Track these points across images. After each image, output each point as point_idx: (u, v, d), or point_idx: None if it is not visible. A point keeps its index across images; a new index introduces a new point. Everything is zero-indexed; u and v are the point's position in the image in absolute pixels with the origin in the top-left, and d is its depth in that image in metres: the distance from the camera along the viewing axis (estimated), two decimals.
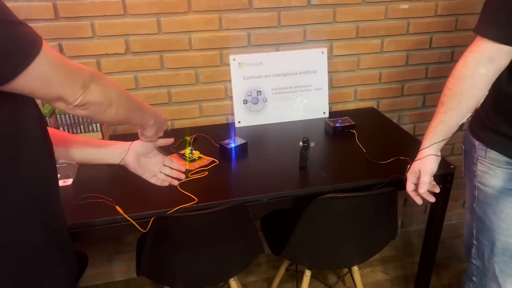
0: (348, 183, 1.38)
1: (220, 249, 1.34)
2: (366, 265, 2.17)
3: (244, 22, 1.74)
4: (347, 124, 1.74)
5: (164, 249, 1.29)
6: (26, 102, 0.75)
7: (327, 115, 1.93)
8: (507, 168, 1.14)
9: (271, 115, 1.87)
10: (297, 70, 1.86)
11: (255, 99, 1.85)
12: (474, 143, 1.21)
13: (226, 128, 1.82)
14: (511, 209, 1.16)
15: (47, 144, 0.83)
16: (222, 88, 1.84)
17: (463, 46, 1.11)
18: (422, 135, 1.21)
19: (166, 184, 1.22)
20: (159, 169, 1.22)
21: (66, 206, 0.91)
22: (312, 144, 1.45)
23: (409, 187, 1.22)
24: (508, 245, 1.20)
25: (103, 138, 1.62)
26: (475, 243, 1.30)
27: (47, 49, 0.69)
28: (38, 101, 0.81)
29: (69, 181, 1.40)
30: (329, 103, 1.93)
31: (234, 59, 1.78)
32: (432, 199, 1.21)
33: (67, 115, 1.56)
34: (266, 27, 1.77)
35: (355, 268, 1.70)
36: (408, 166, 1.23)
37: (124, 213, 1.22)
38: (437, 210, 1.52)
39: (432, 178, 1.19)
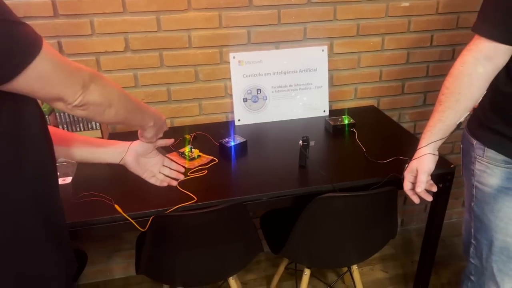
0: (348, 182, 1.38)
1: (219, 248, 1.34)
2: (366, 264, 2.16)
3: (244, 20, 1.73)
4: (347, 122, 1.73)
5: (164, 248, 1.29)
6: (27, 100, 0.75)
7: (327, 113, 1.92)
8: (504, 167, 1.14)
9: (271, 113, 1.87)
10: (297, 68, 1.85)
11: (255, 97, 1.84)
12: (472, 142, 1.21)
13: (226, 126, 1.82)
14: (509, 208, 1.16)
15: (47, 142, 0.84)
16: (222, 86, 1.83)
17: (464, 44, 1.10)
18: None
19: (165, 184, 1.22)
20: (158, 169, 1.21)
21: (65, 204, 0.91)
22: (312, 143, 1.44)
23: (406, 186, 1.22)
24: (506, 244, 1.20)
25: (102, 136, 1.62)
26: (473, 242, 1.30)
27: (48, 49, 0.69)
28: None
29: (69, 179, 1.40)
30: (329, 101, 1.92)
31: (234, 57, 1.78)
32: (429, 198, 1.21)
33: (66, 113, 1.56)
34: (266, 25, 1.76)
35: (355, 267, 1.70)
36: (406, 165, 1.23)
37: (123, 211, 1.21)
38: (437, 209, 1.52)
39: (430, 177, 1.18)
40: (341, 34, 1.86)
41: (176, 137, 1.57)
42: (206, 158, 1.52)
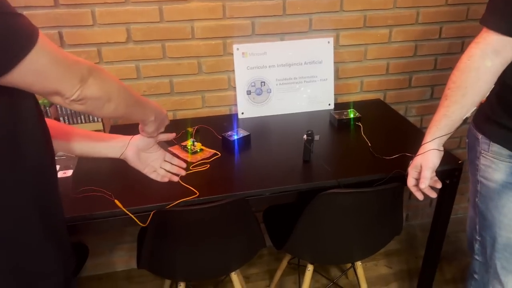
0: (353, 178, 1.35)
1: (221, 243, 1.32)
2: (370, 259, 2.15)
3: (248, 11, 1.69)
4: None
5: (165, 243, 1.27)
6: (23, 94, 0.73)
7: (332, 106, 1.89)
8: (509, 162, 1.12)
9: (275, 107, 1.84)
10: (302, 60, 1.82)
11: (258, 89, 1.81)
12: (477, 136, 1.19)
13: (229, 120, 1.79)
14: None
15: (45, 136, 0.83)
16: (225, 78, 1.80)
17: (474, 36, 1.07)
18: None
19: (166, 180, 1.20)
20: (159, 164, 1.19)
21: (65, 198, 0.90)
22: (316, 138, 1.42)
23: (410, 182, 1.20)
24: (509, 241, 1.18)
25: (103, 129, 1.60)
26: (478, 238, 1.28)
27: (44, 42, 0.67)
28: None
29: (69, 173, 1.38)
30: (334, 95, 1.89)
31: (237, 49, 1.74)
32: (433, 194, 1.19)
33: None
34: (271, 16, 1.73)
35: (358, 263, 1.68)
36: (410, 160, 1.20)
37: (124, 206, 1.20)
38: (443, 205, 1.49)
39: (434, 173, 1.16)
40: (347, 25, 1.82)
41: (179, 130, 1.55)
42: (208, 151, 1.50)
